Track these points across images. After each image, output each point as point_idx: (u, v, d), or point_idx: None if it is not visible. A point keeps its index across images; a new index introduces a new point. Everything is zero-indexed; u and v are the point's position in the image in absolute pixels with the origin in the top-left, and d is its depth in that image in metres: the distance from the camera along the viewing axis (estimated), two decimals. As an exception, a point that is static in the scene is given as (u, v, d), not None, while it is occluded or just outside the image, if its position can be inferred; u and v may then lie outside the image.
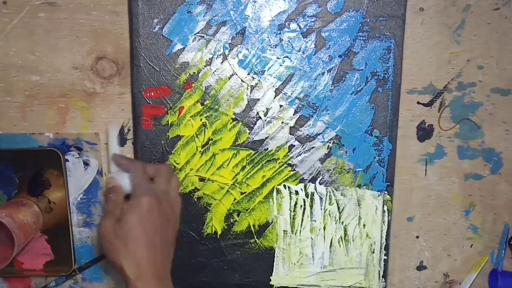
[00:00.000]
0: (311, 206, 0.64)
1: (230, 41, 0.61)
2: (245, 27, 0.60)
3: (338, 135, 0.62)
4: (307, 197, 0.64)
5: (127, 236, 0.50)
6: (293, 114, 0.62)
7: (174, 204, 0.56)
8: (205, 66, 0.61)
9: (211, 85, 0.61)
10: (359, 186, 0.63)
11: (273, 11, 0.60)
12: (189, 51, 0.61)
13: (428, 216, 0.66)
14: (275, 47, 0.61)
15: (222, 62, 0.61)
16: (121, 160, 0.57)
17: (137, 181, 0.54)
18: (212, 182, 0.63)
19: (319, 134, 0.62)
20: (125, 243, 0.50)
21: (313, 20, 0.60)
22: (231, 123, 0.62)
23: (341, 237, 0.65)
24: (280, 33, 0.60)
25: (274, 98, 0.62)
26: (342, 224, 0.64)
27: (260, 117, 0.62)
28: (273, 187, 0.64)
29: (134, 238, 0.50)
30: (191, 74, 0.61)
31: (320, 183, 0.63)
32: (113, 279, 0.67)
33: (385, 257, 0.65)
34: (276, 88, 0.62)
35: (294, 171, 0.63)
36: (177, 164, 0.63)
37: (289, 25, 0.60)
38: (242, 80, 0.61)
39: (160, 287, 0.50)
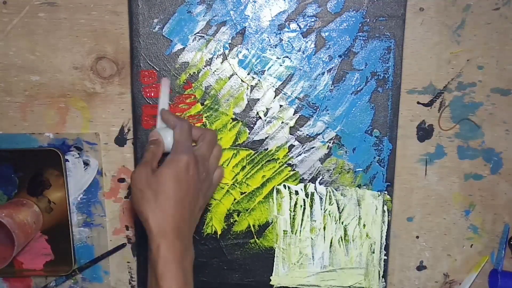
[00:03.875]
0: (311, 206, 0.64)
1: (230, 41, 0.61)
2: (245, 27, 0.60)
3: (338, 135, 0.62)
4: (307, 197, 0.64)
5: (159, 188, 0.49)
6: (293, 114, 0.62)
7: (211, 171, 0.55)
8: (205, 66, 0.61)
9: (211, 85, 0.61)
10: (359, 186, 0.63)
11: (273, 11, 0.60)
12: (189, 51, 0.61)
13: (428, 216, 0.66)
14: (275, 47, 0.61)
15: (222, 62, 0.61)
16: (169, 116, 0.55)
17: (180, 139, 0.53)
18: (212, 182, 0.63)
19: (319, 134, 0.62)
20: (156, 194, 0.49)
21: (313, 20, 0.60)
22: (231, 123, 0.62)
23: (341, 237, 0.65)
24: (280, 33, 0.60)
25: (274, 98, 0.62)
26: (342, 224, 0.64)
27: (260, 117, 0.62)
28: (273, 187, 0.64)
29: (165, 192, 0.49)
30: (191, 74, 0.61)
31: (320, 183, 0.63)
32: (113, 279, 0.67)
33: (385, 257, 0.65)
34: (276, 88, 0.62)
35: (294, 171, 0.63)
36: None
37: (289, 25, 0.60)
38: (242, 80, 0.61)
39: (181, 247, 0.50)
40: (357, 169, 0.63)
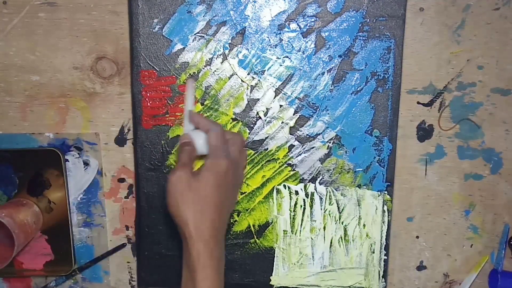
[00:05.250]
0: (311, 206, 0.64)
1: (230, 41, 0.61)
2: (245, 27, 0.60)
3: (338, 135, 0.62)
4: (307, 197, 0.64)
5: (200, 192, 0.49)
6: (293, 114, 0.62)
7: (239, 175, 0.56)
8: (205, 66, 0.61)
9: (211, 85, 0.61)
10: (359, 186, 0.63)
11: (273, 11, 0.60)
12: (189, 51, 0.61)
13: (428, 216, 0.66)
14: (275, 47, 0.61)
15: (222, 62, 0.61)
16: (200, 119, 0.56)
17: (217, 143, 0.53)
18: (212, 182, 0.63)
19: (319, 134, 0.62)
20: (197, 198, 0.49)
21: (313, 20, 0.60)
22: (231, 123, 0.62)
23: (341, 237, 0.65)
24: (280, 33, 0.60)
25: (274, 98, 0.62)
26: (342, 224, 0.64)
27: (260, 117, 0.62)
28: (273, 187, 0.64)
29: (207, 197, 0.49)
30: (191, 74, 0.61)
31: (320, 183, 0.63)
32: (113, 279, 0.67)
33: (385, 257, 0.65)
34: (276, 88, 0.62)
35: (294, 171, 0.63)
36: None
37: (289, 25, 0.60)
38: (242, 80, 0.61)
39: (219, 253, 0.50)
40: (357, 169, 0.63)
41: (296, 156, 0.63)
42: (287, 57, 0.61)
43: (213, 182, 0.50)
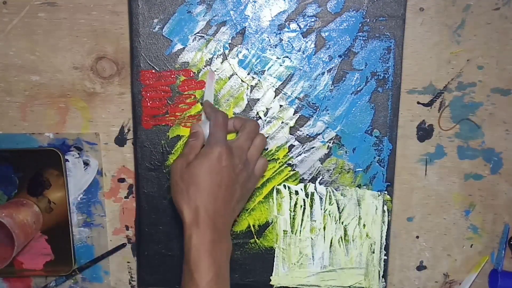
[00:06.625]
0: (311, 206, 0.64)
1: (230, 41, 0.61)
2: (245, 27, 0.60)
3: (338, 135, 0.62)
4: (307, 197, 0.64)
5: (191, 180, 0.50)
6: (293, 114, 0.62)
7: (251, 162, 0.56)
8: (205, 66, 0.61)
9: (211, 85, 0.61)
10: (359, 186, 0.63)
11: (273, 11, 0.60)
12: (189, 51, 0.61)
13: (428, 216, 0.66)
14: (275, 47, 0.61)
15: (222, 62, 0.61)
16: (208, 107, 0.58)
17: (213, 130, 0.54)
18: (212, 182, 0.63)
19: (319, 134, 0.62)
20: (188, 186, 0.50)
21: (313, 20, 0.60)
22: (231, 123, 0.62)
23: (341, 237, 0.65)
24: (280, 33, 0.60)
25: (274, 98, 0.62)
26: (342, 224, 0.64)
27: (260, 117, 0.62)
28: (273, 187, 0.64)
29: (197, 184, 0.50)
30: (191, 74, 0.61)
31: (320, 183, 0.63)
32: (113, 279, 0.67)
33: (385, 257, 0.65)
34: (276, 88, 0.62)
35: (294, 171, 0.63)
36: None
37: (289, 25, 0.60)
38: (242, 80, 0.61)
39: (213, 238, 0.50)
40: (357, 169, 0.63)
41: (296, 156, 0.63)
42: (287, 57, 0.61)
43: (203, 169, 0.50)
